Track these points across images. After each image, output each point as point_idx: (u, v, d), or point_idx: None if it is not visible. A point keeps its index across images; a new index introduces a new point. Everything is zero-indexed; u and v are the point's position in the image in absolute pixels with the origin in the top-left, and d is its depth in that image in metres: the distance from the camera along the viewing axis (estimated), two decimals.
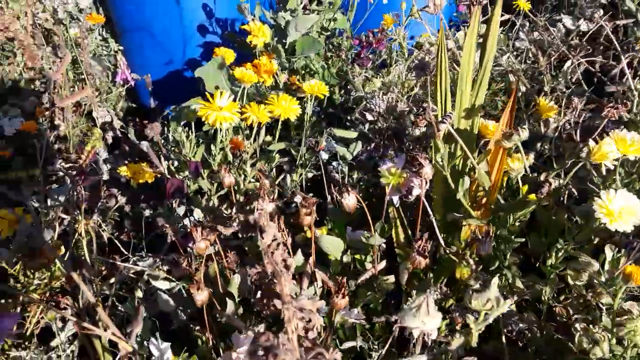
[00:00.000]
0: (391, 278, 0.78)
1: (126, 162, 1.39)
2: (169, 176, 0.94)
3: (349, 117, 1.14)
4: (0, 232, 0.94)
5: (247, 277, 0.77)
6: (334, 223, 0.86)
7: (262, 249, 0.55)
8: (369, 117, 0.99)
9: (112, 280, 0.91)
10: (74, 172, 0.82)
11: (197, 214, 0.91)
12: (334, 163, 1.14)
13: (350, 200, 0.59)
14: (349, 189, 0.60)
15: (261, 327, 0.75)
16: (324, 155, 1.00)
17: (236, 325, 0.61)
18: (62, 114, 1.46)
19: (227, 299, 0.69)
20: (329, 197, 0.90)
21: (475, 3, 0.82)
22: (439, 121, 0.71)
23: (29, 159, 1.26)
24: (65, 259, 0.87)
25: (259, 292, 0.57)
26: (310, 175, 1.06)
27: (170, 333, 0.87)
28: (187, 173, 1.02)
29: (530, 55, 1.55)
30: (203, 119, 0.89)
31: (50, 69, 1.40)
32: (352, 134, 0.99)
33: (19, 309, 0.81)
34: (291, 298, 0.46)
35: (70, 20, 1.49)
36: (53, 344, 0.89)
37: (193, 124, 1.36)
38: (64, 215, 0.95)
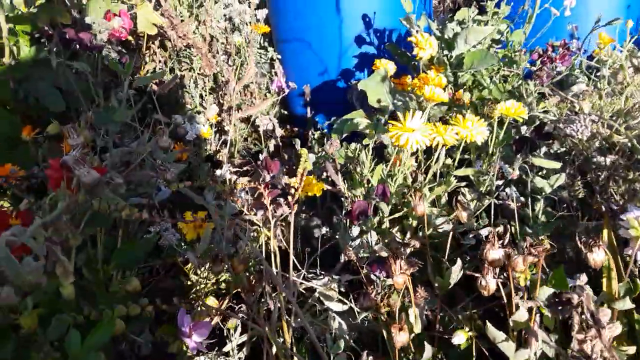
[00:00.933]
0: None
1: (286, 168, 1.41)
2: (347, 193, 0.92)
3: (542, 143, 1.03)
4: (185, 235, 0.99)
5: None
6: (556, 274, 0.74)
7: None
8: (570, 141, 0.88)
9: (284, 294, 0.91)
10: (263, 186, 0.82)
11: (373, 236, 0.88)
12: (507, 190, 1.04)
13: (598, 256, 0.51)
14: (599, 243, 0.51)
15: None
16: (510, 190, 0.91)
17: None
18: (229, 119, 1.53)
19: (425, 342, 0.64)
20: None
21: None
22: None
23: (201, 162, 1.33)
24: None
25: None
26: (485, 202, 0.97)
27: None
28: (359, 191, 1.00)
29: None
30: (392, 139, 0.85)
31: (223, 76, 1.47)
32: (554, 165, 0.88)
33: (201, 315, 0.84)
34: None
35: (234, 30, 1.55)
36: (225, 349, 0.91)
37: (358, 140, 1.34)
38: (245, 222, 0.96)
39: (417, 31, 1.51)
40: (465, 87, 1.45)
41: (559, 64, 1.27)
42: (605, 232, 0.74)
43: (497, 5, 1.61)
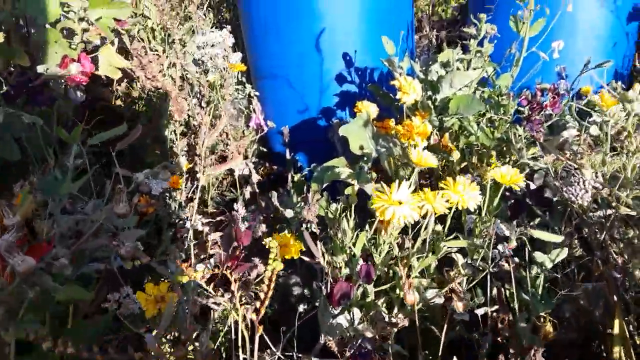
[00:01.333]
0: None
1: (262, 217, 1.32)
2: (324, 263, 0.83)
3: (539, 209, 0.95)
4: (145, 312, 0.88)
5: None
6: None
7: None
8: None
9: None
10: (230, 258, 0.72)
11: (357, 314, 0.79)
12: (500, 247, 0.96)
13: None
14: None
15: None
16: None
17: None
18: (202, 164, 1.44)
19: None
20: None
21: None
22: None
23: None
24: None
25: None
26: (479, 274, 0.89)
27: None
28: (340, 258, 0.90)
29: None
30: (377, 213, 0.76)
31: (195, 120, 1.38)
32: (556, 238, 0.81)
33: None
34: None
35: (207, 71, 1.47)
36: None
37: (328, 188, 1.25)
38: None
39: (400, 74, 1.45)
40: (451, 131, 1.38)
41: (550, 110, 1.21)
42: (616, 322, 0.66)
43: (481, 44, 1.56)
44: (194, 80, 1.39)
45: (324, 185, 1.26)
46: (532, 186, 1.33)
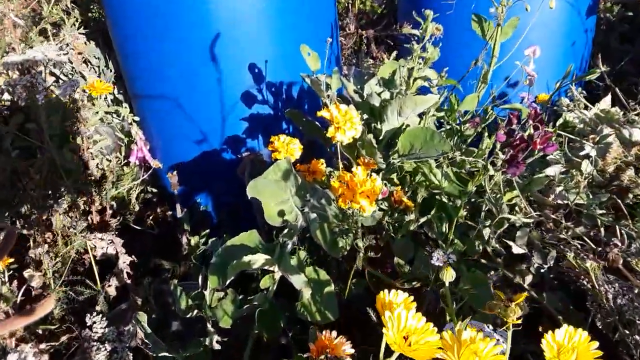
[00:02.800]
0: None
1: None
2: None
3: None
4: None
5: None
6: None
7: None
8: None
9: None
10: None
11: None
12: None
13: None
14: None
15: None
16: None
17: None
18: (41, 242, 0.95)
19: None
20: None
21: None
22: None
23: None
24: None
25: None
26: None
27: None
28: None
29: None
30: None
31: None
32: None
33: None
34: None
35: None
36: None
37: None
38: None
39: (329, 100, 1.05)
40: (404, 177, 1.00)
41: (543, 150, 0.86)
42: None
43: (423, 48, 1.19)
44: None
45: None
46: (515, 249, 0.99)
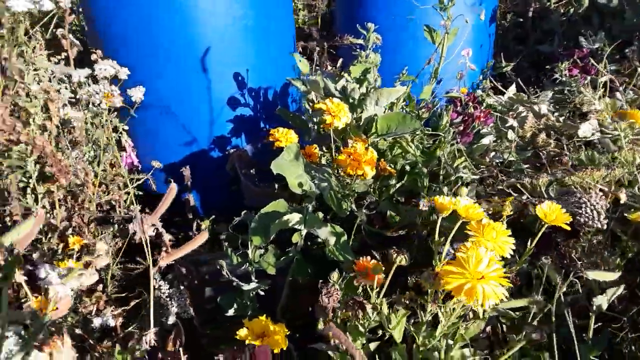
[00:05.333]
0: None
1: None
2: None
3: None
4: None
5: None
6: None
7: None
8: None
9: None
10: None
11: None
12: None
13: None
14: None
15: None
16: None
17: None
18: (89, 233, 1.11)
19: None
20: None
21: None
22: None
23: None
24: None
25: None
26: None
27: None
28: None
29: None
30: (461, 294, 0.58)
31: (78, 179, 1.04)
32: (611, 276, 0.74)
33: None
34: None
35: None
36: None
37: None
38: None
39: (317, 97, 1.30)
40: (385, 153, 1.28)
41: (483, 124, 1.18)
42: None
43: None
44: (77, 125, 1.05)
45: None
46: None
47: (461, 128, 1.25)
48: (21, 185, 1.04)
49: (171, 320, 1.02)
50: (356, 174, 1.10)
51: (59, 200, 1.00)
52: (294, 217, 1.03)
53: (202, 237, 0.73)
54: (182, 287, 1.04)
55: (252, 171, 1.61)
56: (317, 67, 1.64)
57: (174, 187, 0.73)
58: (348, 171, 1.09)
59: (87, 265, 0.70)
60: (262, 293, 1.06)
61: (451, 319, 0.67)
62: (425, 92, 1.31)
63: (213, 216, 1.47)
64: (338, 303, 0.73)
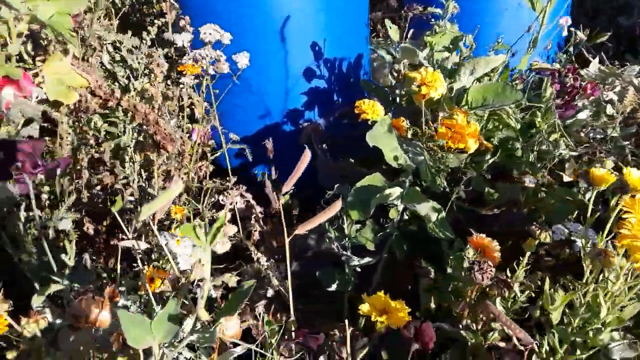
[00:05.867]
0: None
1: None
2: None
3: None
4: None
5: None
6: None
7: None
8: None
9: None
10: None
11: None
12: None
13: None
14: None
15: None
16: None
17: None
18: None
19: None
20: None
21: None
22: None
23: None
24: None
25: None
26: None
27: None
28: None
29: None
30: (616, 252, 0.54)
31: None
32: None
33: None
34: None
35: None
36: None
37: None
38: None
39: (403, 66, 1.24)
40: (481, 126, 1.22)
41: (591, 95, 1.11)
42: None
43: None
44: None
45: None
46: (566, 178, 1.24)
47: (559, 101, 1.18)
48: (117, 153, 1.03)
49: (270, 293, 1.00)
50: (456, 148, 1.05)
51: (159, 169, 0.99)
52: (395, 191, 0.99)
53: (335, 208, 0.70)
54: (272, 261, 1.02)
55: (324, 146, 1.57)
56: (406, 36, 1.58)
57: (307, 154, 0.70)
58: (449, 144, 1.03)
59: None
60: (359, 269, 1.02)
61: (625, 300, 0.63)
62: (523, 62, 1.24)
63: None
64: (489, 280, 0.69)
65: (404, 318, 0.73)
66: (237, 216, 1.10)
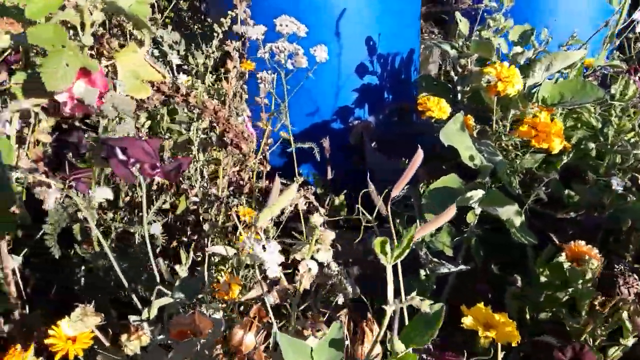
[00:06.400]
0: None
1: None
2: None
3: None
4: None
5: None
6: None
7: None
8: None
9: None
10: None
11: None
12: None
13: None
14: None
15: None
16: None
17: None
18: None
19: None
20: None
21: None
22: None
23: None
24: None
25: None
26: None
27: None
28: None
29: None
30: None
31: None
32: None
33: None
34: None
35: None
36: None
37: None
38: None
39: (470, 61, 1.18)
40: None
41: None
42: None
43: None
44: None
45: None
46: None
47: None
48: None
49: (340, 300, 0.94)
50: (539, 148, 0.98)
51: (224, 169, 0.93)
52: (477, 194, 0.92)
53: (451, 212, 0.63)
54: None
55: (374, 145, 1.50)
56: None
57: (420, 154, 0.64)
58: (532, 144, 0.97)
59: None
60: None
61: None
62: (600, 57, 1.17)
63: (345, 191, 1.38)
64: (635, 296, 0.63)
65: (513, 333, 0.67)
66: (302, 218, 1.05)
